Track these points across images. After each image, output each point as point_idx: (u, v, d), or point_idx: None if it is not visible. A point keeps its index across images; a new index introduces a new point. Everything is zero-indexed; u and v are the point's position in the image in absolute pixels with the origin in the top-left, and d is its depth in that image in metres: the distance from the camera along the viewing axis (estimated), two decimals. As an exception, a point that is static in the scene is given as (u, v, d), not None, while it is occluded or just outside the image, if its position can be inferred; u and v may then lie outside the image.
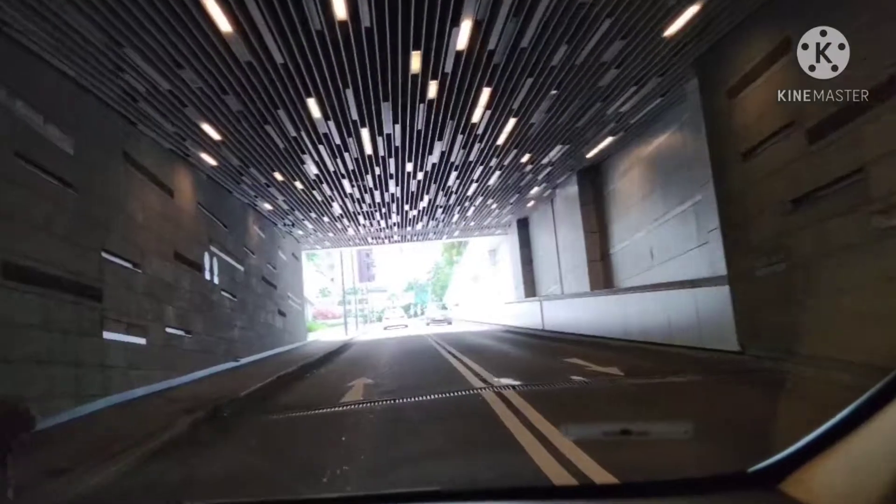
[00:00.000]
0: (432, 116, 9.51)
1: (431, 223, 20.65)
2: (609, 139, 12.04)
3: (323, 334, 31.72)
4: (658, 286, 10.41)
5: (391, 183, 13.92)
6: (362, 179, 13.33)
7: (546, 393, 6.09)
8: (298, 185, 13.16)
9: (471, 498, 1.50)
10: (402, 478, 3.33)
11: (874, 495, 0.84)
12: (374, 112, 9.00)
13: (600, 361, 8.22)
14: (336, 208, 16.32)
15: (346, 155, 11.22)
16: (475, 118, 9.78)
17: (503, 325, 23.36)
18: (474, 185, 15.10)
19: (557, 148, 12.23)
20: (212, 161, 10.60)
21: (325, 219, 17.91)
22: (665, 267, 11.50)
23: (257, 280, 15.03)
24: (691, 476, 1.28)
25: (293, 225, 18.40)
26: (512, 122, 10.16)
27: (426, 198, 16.07)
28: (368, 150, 11.01)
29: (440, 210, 18.22)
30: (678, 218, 10.87)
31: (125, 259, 7.79)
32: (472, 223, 21.87)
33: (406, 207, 17.18)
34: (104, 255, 7.17)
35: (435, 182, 14.24)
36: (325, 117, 9.04)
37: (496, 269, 29.77)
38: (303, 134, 9.69)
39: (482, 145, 11.44)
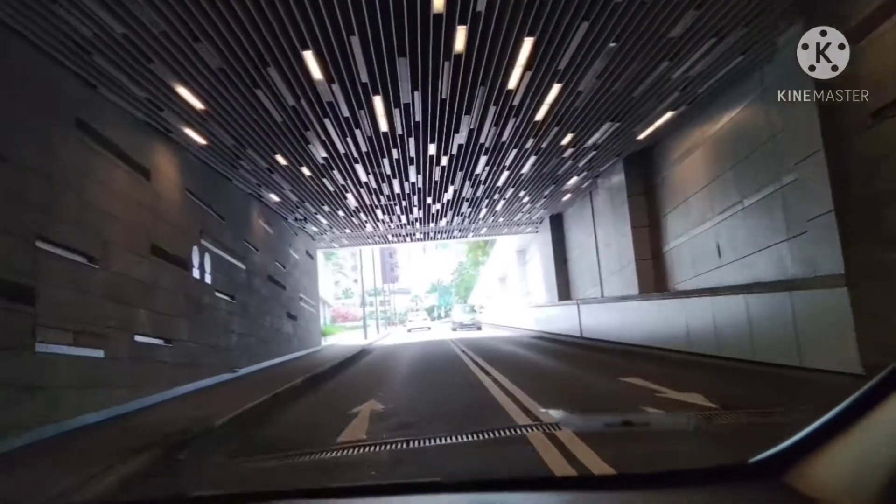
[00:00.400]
0: (459, 80, 7.77)
1: (457, 219, 18.91)
2: (668, 115, 10.17)
3: (340, 338, 30.15)
4: (735, 289, 8.50)
5: (411, 170, 12.24)
6: (378, 165, 11.67)
7: (623, 440, 4.29)
8: (305, 171, 11.55)
9: (472, 489, 1.44)
10: None
11: (876, 486, 0.82)
12: (387, 71, 7.29)
13: (672, 383, 6.38)
14: (351, 200, 14.71)
15: (357, 133, 9.57)
16: (512, 83, 8.01)
17: (534, 330, 21.61)
18: (506, 174, 13.32)
19: (606, 126, 10.39)
20: (200, 139, 9.02)
21: (340, 213, 16.32)
22: (737, 266, 9.60)
23: (262, 280, 13.46)
24: (693, 467, 1.27)
25: (305, 220, 16.84)
26: (556, 88, 8.37)
27: (451, 189, 14.34)
28: (383, 125, 9.32)
29: (466, 204, 16.48)
30: (757, 206, 8.95)
31: (76, 251, 6.22)
32: (501, 219, 20.07)
33: (429, 200, 15.49)
34: (40, 245, 5.61)
35: (461, 169, 12.51)
36: (329, 79, 7.37)
37: (525, 270, 28.07)
38: (303, 103, 8.05)
39: (517, 121, 9.67)
